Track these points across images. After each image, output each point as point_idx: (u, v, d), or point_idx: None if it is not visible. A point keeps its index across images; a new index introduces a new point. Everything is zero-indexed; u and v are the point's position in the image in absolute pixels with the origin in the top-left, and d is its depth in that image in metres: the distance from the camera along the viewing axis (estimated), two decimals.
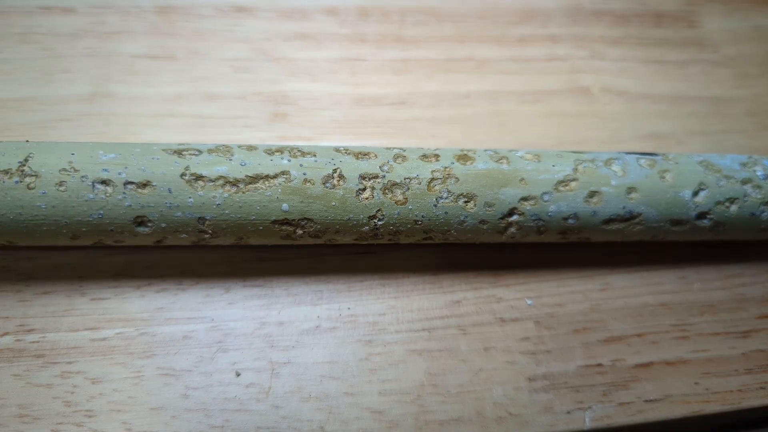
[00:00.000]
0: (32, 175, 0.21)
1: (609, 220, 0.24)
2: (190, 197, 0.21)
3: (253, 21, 0.33)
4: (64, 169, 0.21)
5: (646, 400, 0.24)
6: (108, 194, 0.21)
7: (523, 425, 0.23)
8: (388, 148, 0.24)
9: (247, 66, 0.31)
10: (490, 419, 0.23)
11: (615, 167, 0.24)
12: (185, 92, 0.30)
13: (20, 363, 0.23)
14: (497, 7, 0.36)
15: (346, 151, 0.23)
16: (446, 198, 0.23)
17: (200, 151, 0.22)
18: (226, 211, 0.22)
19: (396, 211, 0.23)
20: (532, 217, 0.24)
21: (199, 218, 0.22)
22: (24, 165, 0.21)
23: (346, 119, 0.30)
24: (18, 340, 0.23)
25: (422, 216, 0.23)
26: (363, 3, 0.34)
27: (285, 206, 0.22)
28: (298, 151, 0.23)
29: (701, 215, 0.25)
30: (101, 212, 0.21)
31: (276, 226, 0.22)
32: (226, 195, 0.22)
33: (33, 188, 0.21)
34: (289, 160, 0.22)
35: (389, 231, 0.23)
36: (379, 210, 0.23)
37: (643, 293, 0.27)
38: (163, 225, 0.22)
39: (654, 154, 0.26)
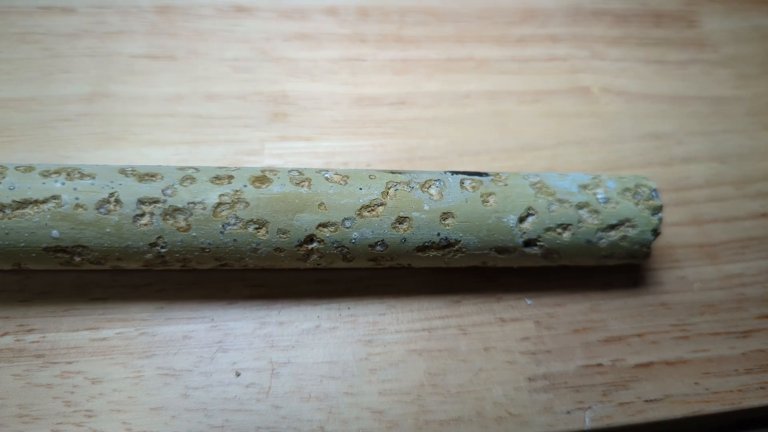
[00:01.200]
0: None
1: (423, 248, 0.23)
2: None
3: (253, 21, 0.33)
4: None
5: (646, 400, 0.24)
6: None
7: (523, 425, 0.23)
8: (180, 168, 0.23)
9: (247, 66, 0.31)
10: (490, 419, 0.23)
11: (432, 190, 0.23)
12: (185, 92, 0.30)
13: (20, 363, 0.23)
14: (497, 7, 0.36)
15: (133, 171, 0.22)
16: (234, 224, 0.22)
17: None
18: None
19: (179, 239, 0.21)
20: (334, 244, 0.22)
21: None
22: None
23: (346, 119, 0.30)
24: (18, 340, 0.23)
25: (209, 243, 0.22)
26: (363, 3, 0.34)
27: (55, 233, 0.21)
28: (78, 172, 0.22)
29: (530, 242, 0.23)
30: None
31: (50, 253, 0.21)
32: None
33: None
34: (63, 184, 0.21)
35: (176, 258, 0.22)
36: (160, 237, 0.21)
37: (643, 293, 0.27)
38: None
39: (485, 174, 0.24)
